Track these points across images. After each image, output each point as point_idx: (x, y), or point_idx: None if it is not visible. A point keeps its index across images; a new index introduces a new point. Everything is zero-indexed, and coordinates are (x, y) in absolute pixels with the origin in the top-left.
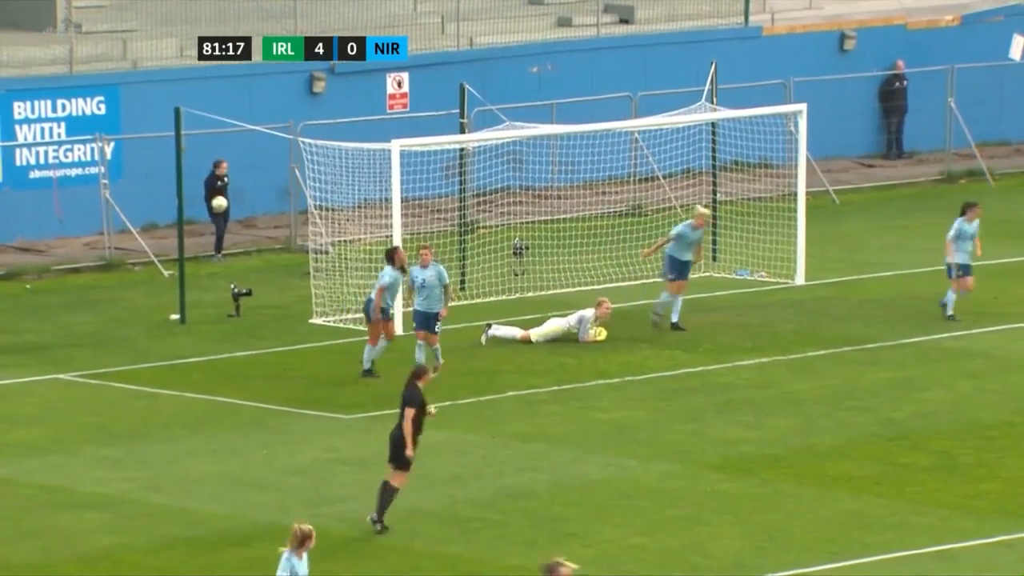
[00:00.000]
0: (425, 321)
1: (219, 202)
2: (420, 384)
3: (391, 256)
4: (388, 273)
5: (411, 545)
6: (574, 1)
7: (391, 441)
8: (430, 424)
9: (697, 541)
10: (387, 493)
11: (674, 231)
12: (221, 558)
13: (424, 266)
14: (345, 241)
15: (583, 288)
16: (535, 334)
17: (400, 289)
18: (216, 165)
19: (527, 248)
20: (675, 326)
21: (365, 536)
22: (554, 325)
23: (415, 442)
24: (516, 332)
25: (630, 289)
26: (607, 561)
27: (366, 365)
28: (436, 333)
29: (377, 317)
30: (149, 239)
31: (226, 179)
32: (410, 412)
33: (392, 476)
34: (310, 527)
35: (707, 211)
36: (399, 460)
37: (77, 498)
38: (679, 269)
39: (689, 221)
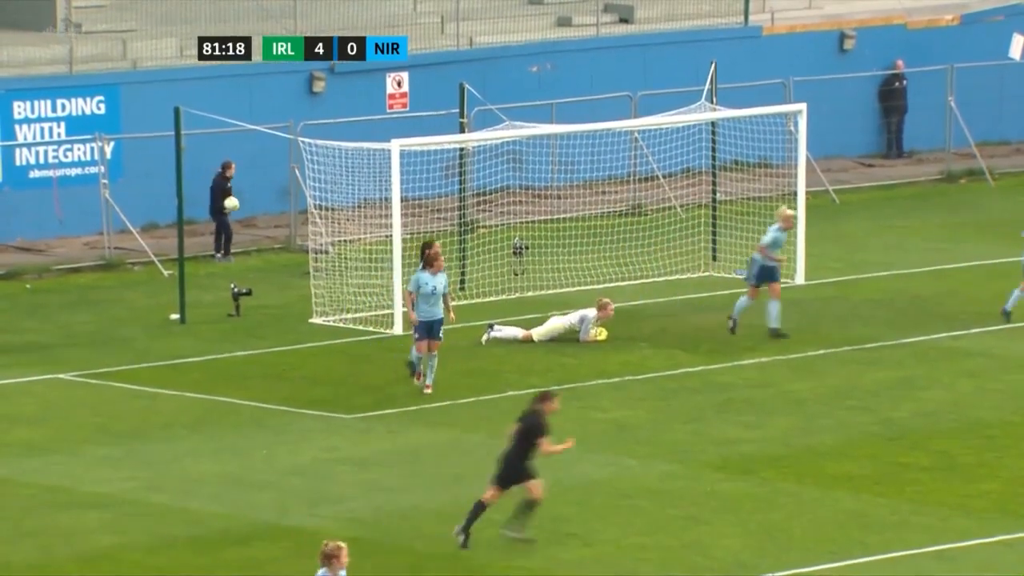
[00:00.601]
0: (429, 329)
1: (232, 202)
2: (546, 410)
3: (426, 252)
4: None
5: (411, 545)
6: (574, 1)
7: (503, 463)
8: (430, 423)
9: (697, 541)
10: (528, 506)
11: (768, 239)
12: (221, 558)
13: (435, 273)
14: (345, 241)
15: (583, 288)
16: (537, 333)
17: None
18: (225, 167)
19: (527, 248)
20: (776, 332)
21: (365, 536)
22: (556, 323)
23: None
24: (518, 333)
25: (630, 289)
26: (607, 561)
27: (412, 357)
28: (440, 339)
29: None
30: (149, 239)
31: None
32: (546, 442)
33: (531, 489)
34: (335, 544)
35: (792, 211)
36: (506, 480)
37: (77, 498)
38: (770, 272)
39: (776, 224)
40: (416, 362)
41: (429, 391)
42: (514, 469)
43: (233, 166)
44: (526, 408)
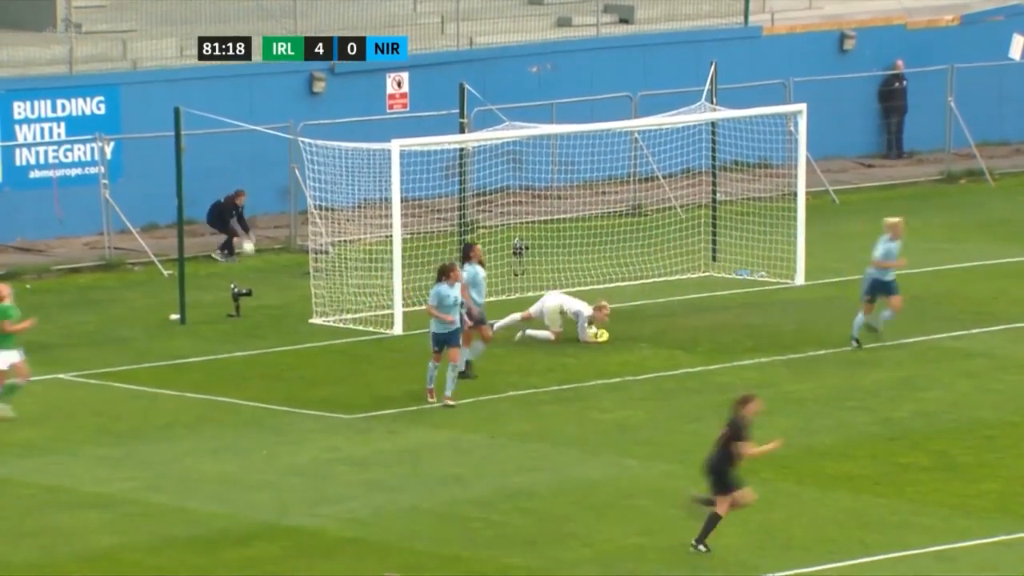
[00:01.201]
0: (447, 339)
1: (250, 247)
2: (748, 413)
3: (467, 253)
4: (466, 270)
5: (411, 545)
6: (574, 1)
7: (708, 469)
8: (430, 423)
9: None
10: (711, 520)
11: (880, 252)
12: (221, 558)
13: (452, 284)
14: (345, 241)
15: (583, 288)
16: (534, 309)
17: (484, 285)
18: (237, 194)
19: (527, 248)
20: (871, 329)
21: (365, 536)
22: (555, 301)
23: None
24: (517, 318)
25: (630, 289)
26: (607, 561)
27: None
28: (458, 346)
29: (468, 322)
30: (149, 239)
31: (241, 210)
32: (746, 447)
33: (717, 504)
34: None
35: (896, 219)
36: (719, 487)
37: (77, 498)
38: (885, 286)
39: (885, 236)
40: (432, 372)
41: (452, 404)
42: (721, 476)
43: (245, 195)
44: (730, 412)
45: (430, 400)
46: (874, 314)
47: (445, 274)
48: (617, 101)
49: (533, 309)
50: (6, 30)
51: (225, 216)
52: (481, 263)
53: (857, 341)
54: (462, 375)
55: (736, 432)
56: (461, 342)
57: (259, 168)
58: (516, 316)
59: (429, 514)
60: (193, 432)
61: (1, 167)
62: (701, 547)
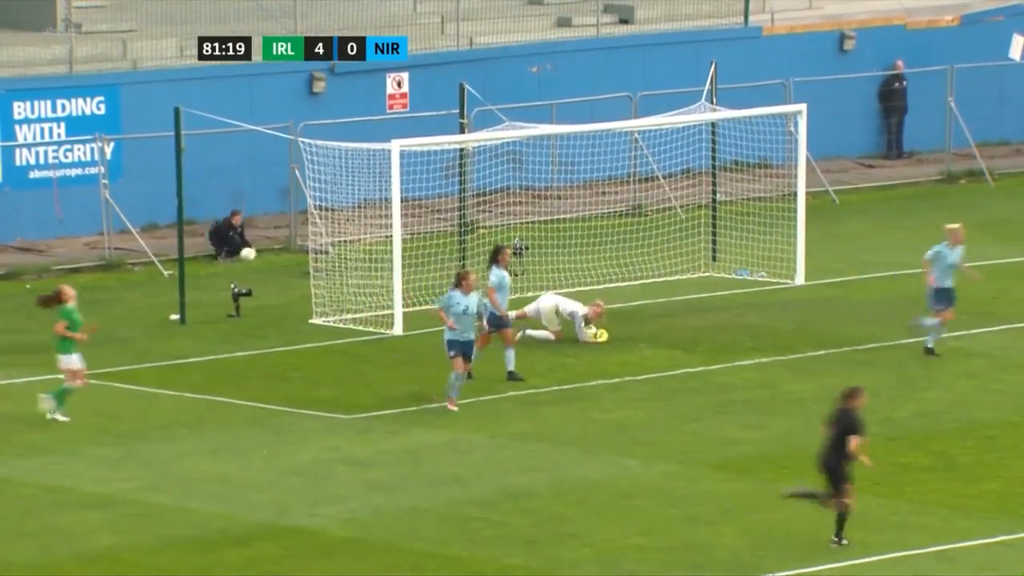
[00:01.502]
0: (463, 349)
1: (248, 253)
2: (858, 406)
3: (496, 256)
4: (494, 273)
5: (411, 545)
6: (574, 1)
7: (824, 466)
8: (430, 423)
9: (697, 541)
10: (840, 517)
11: (929, 253)
12: (221, 558)
13: (467, 292)
14: (345, 241)
15: (583, 288)
16: (530, 309)
17: (507, 290)
18: (233, 214)
19: (527, 248)
20: (929, 351)
21: (365, 536)
22: (550, 302)
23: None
24: (513, 316)
25: (630, 289)
26: (607, 561)
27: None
28: (471, 362)
29: (486, 328)
30: (149, 239)
31: (240, 229)
32: (855, 440)
33: (835, 503)
34: None
35: (953, 225)
36: (837, 482)
37: (78, 498)
38: (944, 297)
39: (945, 242)
40: (455, 382)
41: (455, 408)
42: (835, 471)
43: (240, 215)
44: (834, 407)
45: (451, 408)
46: (935, 328)
47: (460, 281)
48: (617, 101)
49: (529, 309)
50: (6, 30)
51: (225, 238)
52: (507, 268)
53: (930, 350)
54: (512, 379)
55: (851, 426)
56: (476, 350)
57: (259, 168)
58: (512, 314)
59: (429, 514)
60: (193, 432)
61: (1, 167)
62: (844, 541)
